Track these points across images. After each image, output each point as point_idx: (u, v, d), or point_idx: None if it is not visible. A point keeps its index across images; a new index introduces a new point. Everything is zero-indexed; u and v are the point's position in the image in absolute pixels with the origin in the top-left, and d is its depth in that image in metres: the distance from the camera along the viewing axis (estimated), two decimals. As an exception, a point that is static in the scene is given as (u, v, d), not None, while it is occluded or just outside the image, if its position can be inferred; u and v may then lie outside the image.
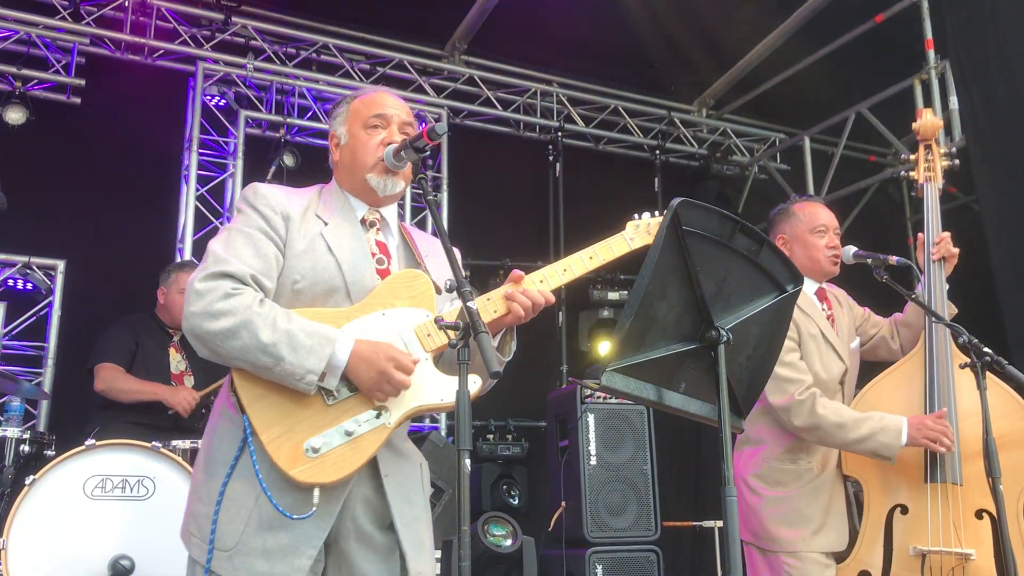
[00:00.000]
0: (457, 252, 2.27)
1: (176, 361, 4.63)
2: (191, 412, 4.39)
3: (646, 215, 2.55)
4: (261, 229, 2.21)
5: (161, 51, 6.29)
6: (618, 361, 1.85)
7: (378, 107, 2.39)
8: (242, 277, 2.11)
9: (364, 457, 2.09)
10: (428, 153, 2.33)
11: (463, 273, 2.02)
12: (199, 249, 6.05)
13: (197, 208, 6.14)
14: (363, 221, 2.37)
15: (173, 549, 3.63)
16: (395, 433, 2.17)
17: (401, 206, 6.30)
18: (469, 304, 1.91)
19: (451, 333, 1.94)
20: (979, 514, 3.03)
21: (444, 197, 6.70)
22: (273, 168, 6.08)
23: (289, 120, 6.50)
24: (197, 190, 6.17)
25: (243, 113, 6.41)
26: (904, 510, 3.12)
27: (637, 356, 1.87)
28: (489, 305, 2.23)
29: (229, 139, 6.45)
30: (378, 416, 2.12)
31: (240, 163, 6.30)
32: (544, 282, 2.32)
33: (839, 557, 3.16)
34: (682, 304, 1.93)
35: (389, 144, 2.31)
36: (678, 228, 1.84)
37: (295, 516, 2.02)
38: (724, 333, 1.99)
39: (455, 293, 2.40)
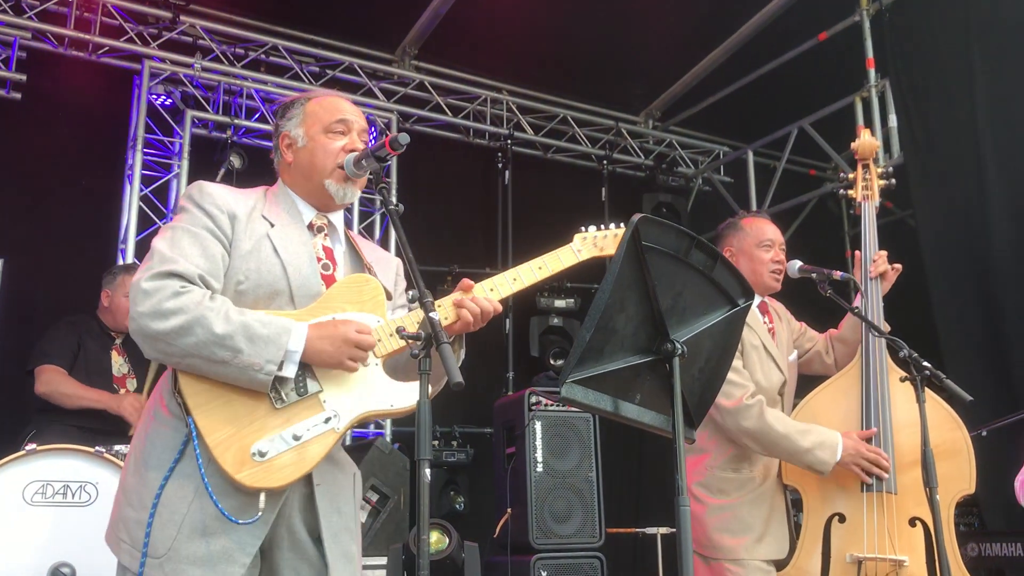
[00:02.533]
0: (398, 262, 2.28)
1: (118, 364, 4.54)
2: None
3: (592, 228, 2.59)
4: (207, 228, 2.18)
5: (106, 48, 6.17)
6: (577, 372, 1.88)
7: (339, 112, 2.38)
8: (190, 276, 2.09)
9: (311, 463, 2.08)
10: (389, 163, 2.34)
11: (423, 283, 2.03)
12: (142, 250, 5.94)
13: (141, 208, 6.02)
14: (310, 226, 2.35)
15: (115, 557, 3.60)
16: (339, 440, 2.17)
17: (349, 210, 6.26)
18: (432, 315, 1.92)
19: (413, 344, 1.95)
20: (912, 522, 3.14)
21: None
22: (223, 171, 6.00)
23: (236, 121, 6.42)
24: (141, 190, 6.05)
25: (189, 113, 6.31)
26: (842, 519, 3.21)
27: (596, 368, 1.91)
28: (439, 312, 2.23)
29: (175, 139, 6.34)
30: (327, 421, 2.11)
31: (186, 163, 6.19)
32: (494, 291, 2.34)
33: (779, 564, 3.23)
34: (640, 317, 1.98)
35: (351, 151, 2.31)
36: (638, 243, 1.88)
37: (240, 521, 2.00)
38: (679, 346, 2.04)
39: (398, 303, 2.42)
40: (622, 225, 2.59)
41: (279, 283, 2.20)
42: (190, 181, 6.13)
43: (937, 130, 5.97)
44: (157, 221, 6.10)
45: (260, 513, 2.01)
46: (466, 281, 2.30)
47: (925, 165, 5.99)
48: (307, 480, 2.15)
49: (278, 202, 2.35)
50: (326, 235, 2.37)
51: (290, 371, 2.08)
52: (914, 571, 3.07)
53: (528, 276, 2.41)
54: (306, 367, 2.13)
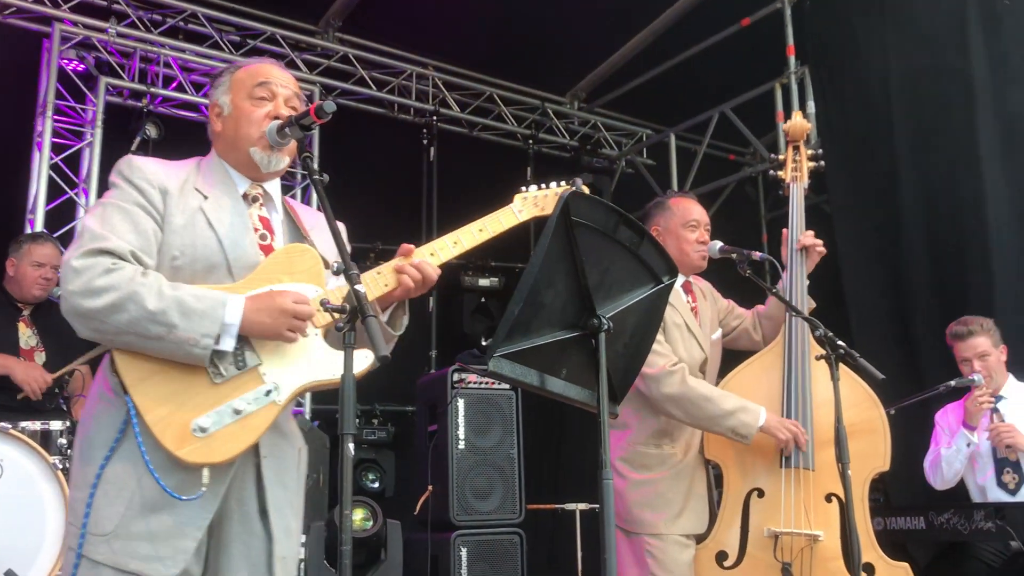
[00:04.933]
0: (343, 226, 2.26)
1: (26, 336, 4.38)
2: (42, 393, 4.17)
3: (533, 188, 2.56)
4: (138, 204, 2.13)
5: (13, 8, 5.88)
6: (505, 347, 1.88)
7: (263, 77, 2.32)
8: (121, 253, 2.04)
9: (254, 436, 2.06)
10: (313, 131, 2.30)
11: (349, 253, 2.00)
12: (52, 220, 5.75)
13: (51, 177, 5.79)
14: (245, 196, 2.30)
15: (22, 533, 3.48)
16: (281, 412, 2.14)
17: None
18: (357, 287, 1.90)
19: (337, 316, 1.92)
20: (828, 498, 3.23)
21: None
22: (138, 139, 5.81)
23: (153, 90, 6.21)
24: (51, 158, 5.82)
25: (103, 80, 6.07)
26: (760, 493, 3.29)
27: (524, 342, 1.92)
28: (380, 278, 2.22)
29: (87, 106, 6.11)
30: (268, 394, 2.08)
31: (99, 132, 5.98)
32: (435, 255, 2.32)
33: (699, 539, 3.29)
34: (567, 293, 1.99)
35: (276, 118, 2.26)
36: (567, 218, 1.89)
37: (184, 497, 1.97)
38: (605, 321, 2.06)
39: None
40: (563, 184, 2.59)
41: (215, 256, 2.16)
42: (104, 150, 6.00)
43: (853, 116, 6.12)
44: (68, 191, 5.89)
45: (203, 489, 1.99)
46: (406, 246, 2.28)
47: (841, 152, 6.13)
48: (255, 452, 2.13)
49: (211, 173, 2.30)
50: (262, 204, 2.33)
51: (228, 344, 2.04)
52: (828, 545, 3.16)
53: (468, 239, 2.39)
54: (245, 340, 2.09)
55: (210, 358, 2.03)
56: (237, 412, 2.04)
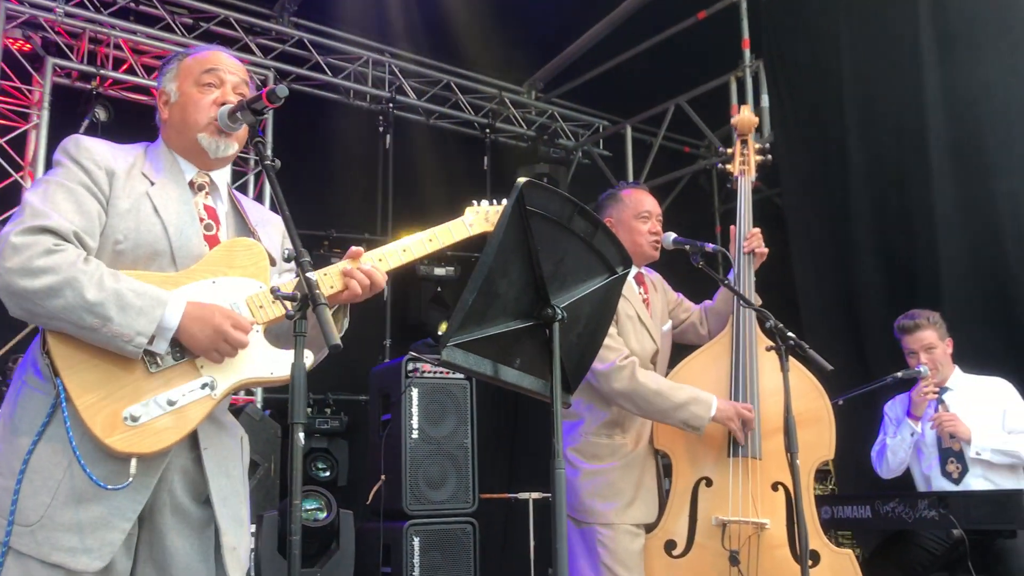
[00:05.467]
0: (280, 220, 2.22)
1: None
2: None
3: (484, 203, 2.59)
4: (83, 184, 2.09)
5: (-44, -15, 5.74)
6: (459, 336, 1.87)
7: (211, 64, 2.30)
8: (64, 233, 1.99)
9: (186, 429, 2.02)
10: (266, 116, 2.27)
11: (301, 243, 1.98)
12: (-4, 202, 5.61)
13: (-5, 159, 5.67)
14: (192, 184, 2.27)
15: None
16: (217, 406, 2.11)
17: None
18: (308, 275, 1.88)
19: (288, 304, 1.90)
20: (775, 486, 3.28)
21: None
22: (87, 122, 5.68)
23: (103, 72, 6.08)
24: (-5, 140, 5.69)
25: (51, 60, 5.93)
26: (709, 482, 3.33)
27: (478, 331, 1.91)
28: (326, 280, 2.20)
29: (34, 87, 5.96)
30: (203, 387, 2.05)
31: (46, 114, 5.84)
32: (383, 261, 2.32)
33: (649, 528, 3.33)
34: (522, 282, 1.99)
35: (223, 104, 2.23)
36: (522, 208, 1.89)
37: (109, 487, 1.93)
38: (559, 311, 2.06)
39: (285, 267, 2.37)
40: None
41: (159, 243, 2.13)
42: (51, 133, 5.87)
43: (806, 111, 6.19)
44: (13, 173, 5.75)
45: (130, 479, 1.94)
46: (355, 249, 2.26)
47: (794, 147, 6.20)
48: (193, 444, 2.11)
49: (158, 159, 2.27)
50: (208, 194, 2.30)
51: (161, 347, 2.01)
52: (774, 533, 3.22)
53: (418, 248, 2.40)
54: None
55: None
56: (171, 403, 2.01)
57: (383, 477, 4.94)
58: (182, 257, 2.14)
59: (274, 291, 1.96)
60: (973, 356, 4.38)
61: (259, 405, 6.07)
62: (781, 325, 2.98)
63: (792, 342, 2.95)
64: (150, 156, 2.27)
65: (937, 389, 4.19)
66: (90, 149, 2.15)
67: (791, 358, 3.13)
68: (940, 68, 5.28)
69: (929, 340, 4.26)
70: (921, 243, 5.29)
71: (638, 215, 3.54)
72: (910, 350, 4.30)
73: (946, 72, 5.26)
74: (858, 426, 4.55)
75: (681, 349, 3.70)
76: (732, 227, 3.69)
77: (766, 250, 3.61)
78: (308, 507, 4.84)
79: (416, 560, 4.71)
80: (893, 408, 4.45)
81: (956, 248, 5.11)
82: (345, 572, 4.77)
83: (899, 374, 4.25)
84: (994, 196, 4.95)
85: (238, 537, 2.16)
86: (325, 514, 4.83)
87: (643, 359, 3.42)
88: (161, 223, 2.14)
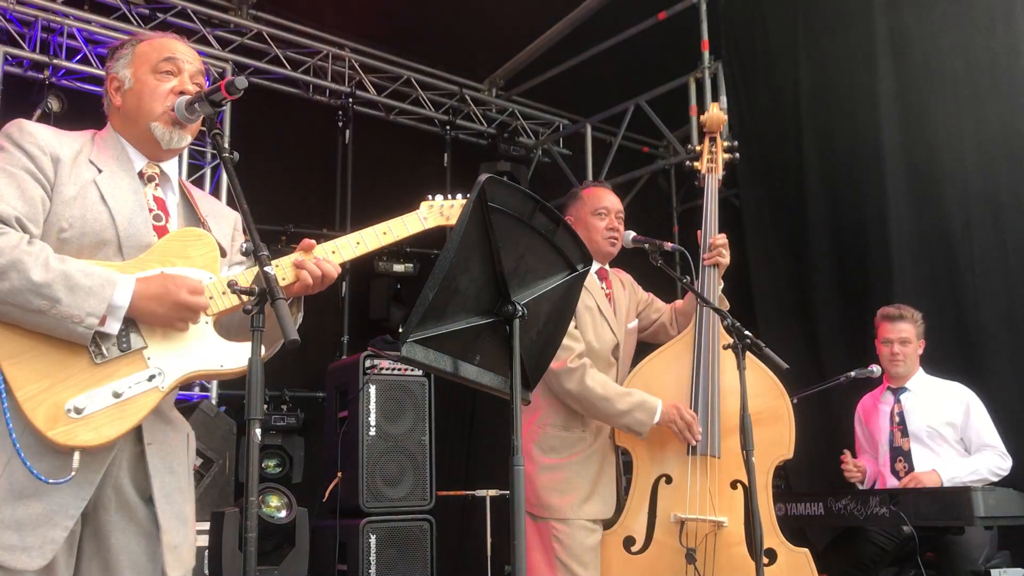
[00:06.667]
0: (237, 216, 2.18)
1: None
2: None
3: (439, 197, 2.57)
4: (27, 169, 2.04)
5: (-97, -31, 5.59)
6: (419, 332, 1.86)
7: (169, 52, 2.25)
8: (6, 218, 1.95)
9: (132, 421, 1.97)
10: (224, 108, 2.24)
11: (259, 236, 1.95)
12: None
13: (-59, 149, 5.51)
14: (141, 174, 2.23)
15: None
16: (163, 399, 2.07)
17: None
18: (267, 269, 1.85)
19: (245, 298, 1.87)
20: (733, 484, 3.31)
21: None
22: (39, 112, 5.57)
23: (56, 61, 5.95)
24: (-58, 129, 5.54)
25: (1, 49, 5.80)
26: (668, 480, 3.35)
27: (438, 328, 1.90)
28: (278, 271, 2.16)
29: (-17, 76, 5.84)
30: (151, 379, 2.01)
31: (-4, 102, 5.72)
32: (336, 253, 2.28)
33: (607, 524, 3.34)
34: (483, 278, 1.98)
35: (181, 93, 2.19)
36: (484, 204, 1.88)
37: (51, 481, 1.87)
38: (519, 308, 2.06)
39: (235, 259, 2.33)
40: (468, 196, 2.59)
41: (106, 232, 2.08)
42: (1, 122, 5.71)
43: (763, 112, 6.26)
44: (-40, 163, 5.60)
45: (72, 473, 1.89)
46: (307, 241, 2.23)
47: (751, 148, 6.25)
48: (137, 439, 2.06)
49: (107, 147, 2.22)
50: (157, 184, 2.25)
51: (112, 327, 1.96)
52: (732, 531, 3.24)
53: (372, 241, 2.37)
54: (131, 322, 2.02)
55: (92, 337, 1.95)
56: (116, 395, 1.96)
57: (339, 474, 4.91)
58: (129, 247, 2.10)
59: (231, 285, 1.94)
60: (925, 356, 4.45)
61: (214, 401, 5.99)
62: (739, 324, 3.01)
63: (749, 340, 2.97)
64: (98, 144, 2.22)
65: (860, 477, 4.32)
66: (34, 134, 2.10)
67: (753, 357, 3.16)
68: (894, 69, 5.37)
69: (907, 333, 4.34)
70: (875, 244, 5.37)
71: (595, 211, 3.55)
72: (886, 338, 4.37)
73: (902, 76, 5.35)
74: (812, 425, 4.61)
75: (650, 348, 3.71)
76: (698, 231, 3.70)
77: (727, 261, 3.63)
78: (270, 504, 4.80)
79: (372, 558, 4.69)
80: (862, 408, 4.58)
81: (909, 248, 5.20)
82: (300, 570, 4.73)
83: (852, 373, 4.34)
84: (943, 198, 5.05)
85: (181, 535, 2.11)
86: (285, 512, 4.79)
87: (602, 352, 3.43)
88: (108, 212, 2.10)
